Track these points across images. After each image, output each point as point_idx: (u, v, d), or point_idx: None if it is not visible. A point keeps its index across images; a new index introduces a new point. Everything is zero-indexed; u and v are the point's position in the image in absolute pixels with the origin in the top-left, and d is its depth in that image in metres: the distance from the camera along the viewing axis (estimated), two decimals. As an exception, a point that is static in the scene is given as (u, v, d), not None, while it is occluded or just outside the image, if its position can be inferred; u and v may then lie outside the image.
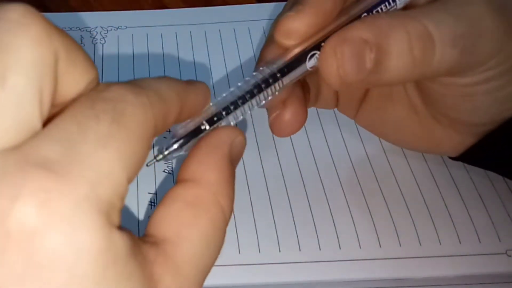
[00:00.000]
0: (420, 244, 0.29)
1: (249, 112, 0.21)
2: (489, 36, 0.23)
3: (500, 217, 0.30)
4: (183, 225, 0.17)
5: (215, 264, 0.28)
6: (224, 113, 0.21)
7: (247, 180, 0.32)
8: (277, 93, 0.22)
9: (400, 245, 0.29)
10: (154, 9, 0.43)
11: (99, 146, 0.14)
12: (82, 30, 0.40)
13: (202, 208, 0.17)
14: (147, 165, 0.20)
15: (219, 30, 0.41)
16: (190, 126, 0.20)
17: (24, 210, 0.12)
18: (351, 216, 0.30)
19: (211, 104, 0.21)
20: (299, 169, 0.32)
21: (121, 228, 0.15)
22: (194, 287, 0.16)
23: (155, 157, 0.20)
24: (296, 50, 0.23)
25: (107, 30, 0.41)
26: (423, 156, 0.33)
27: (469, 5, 0.23)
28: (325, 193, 0.31)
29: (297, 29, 0.22)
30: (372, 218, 0.30)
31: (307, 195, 0.31)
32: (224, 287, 0.28)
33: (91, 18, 0.41)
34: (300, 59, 0.22)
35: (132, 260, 0.15)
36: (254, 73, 0.22)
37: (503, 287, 0.28)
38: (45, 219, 0.13)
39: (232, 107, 0.21)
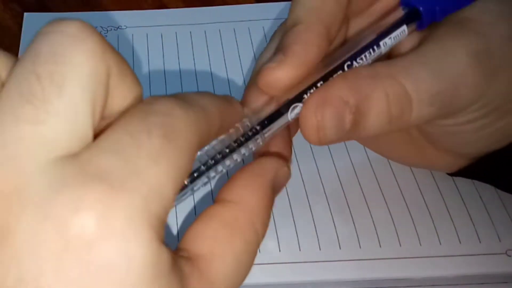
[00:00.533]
0: (420, 244, 0.29)
1: (231, 165, 0.20)
2: (468, 86, 0.23)
3: (500, 217, 0.30)
4: (218, 243, 0.17)
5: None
6: (204, 168, 0.19)
7: (247, 180, 0.32)
8: (260, 143, 0.21)
9: (400, 245, 0.29)
10: (154, 9, 0.43)
11: (151, 161, 0.14)
12: (82, 30, 0.40)
13: (238, 229, 0.18)
14: None
15: (219, 30, 0.41)
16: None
17: (83, 222, 0.13)
18: (351, 216, 0.30)
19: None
20: (299, 169, 0.32)
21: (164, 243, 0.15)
22: None
23: None
24: (274, 105, 0.22)
25: (107, 30, 0.41)
26: (423, 156, 0.33)
27: (449, 57, 0.23)
28: (325, 193, 0.31)
29: (279, 81, 0.22)
30: (372, 218, 0.30)
31: (307, 195, 0.31)
32: (224, 287, 0.28)
33: (91, 18, 0.41)
34: (281, 110, 0.22)
35: (173, 275, 0.15)
36: (236, 125, 0.21)
37: (503, 287, 0.28)
38: (102, 230, 0.13)
39: (212, 162, 0.20)
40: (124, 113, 0.16)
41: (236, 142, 0.20)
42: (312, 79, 0.22)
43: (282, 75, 0.22)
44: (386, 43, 0.23)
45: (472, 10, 0.24)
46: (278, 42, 0.23)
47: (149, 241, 0.14)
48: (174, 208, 0.31)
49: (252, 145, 0.21)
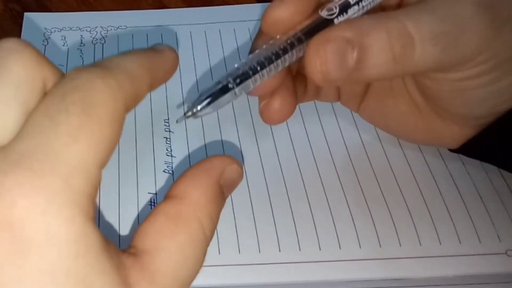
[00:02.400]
0: (420, 244, 0.29)
1: (266, 76, 0.23)
2: (474, 33, 0.23)
3: (500, 217, 0.30)
4: (161, 237, 0.18)
5: (215, 264, 0.28)
6: (251, 72, 0.22)
7: (247, 180, 0.32)
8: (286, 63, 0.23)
9: (400, 245, 0.29)
10: (154, 9, 0.43)
11: (70, 139, 0.15)
12: (82, 30, 0.40)
13: (182, 222, 0.18)
14: (176, 122, 0.23)
15: (219, 30, 0.41)
16: (219, 85, 0.22)
17: (4, 205, 0.14)
18: (351, 216, 0.30)
19: (236, 65, 0.23)
20: (299, 169, 0.32)
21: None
22: None
23: (184, 114, 0.22)
24: (285, 37, 0.23)
25: (107, 30, 0.41)
26: (423, 157, 0.33)
27: (453, 5, 0.23)
28: (325, 193, 0.31)
29: (281, 17, 0.23)
30: (372, 218, 0.30)
31: (307, 195, 0.31)
32: (224, 287, 0.28)
33: (91, 18, 0.41)
34: (291, 45, 0.23)
35: (105, 255, 0.15)
36: (270, 41, 0.23)
37: (503, 287, 0.28)
38: (23, 211, 0.14)
39: (258, 68, 0.22)
40: (45, 96, 0.16)
41: (275, 55, 0.23)
42: (316, 16, 0.24)
43: (283, 13, 0.23)
44: None
45: None
46: None
47: (71, 218, 0.15)
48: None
49: (290, 56, 0.23)
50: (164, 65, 0.20)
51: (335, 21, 0.24)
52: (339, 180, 0.32)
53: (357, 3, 0.24)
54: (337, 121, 0.35)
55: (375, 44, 0.23)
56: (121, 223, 0.29)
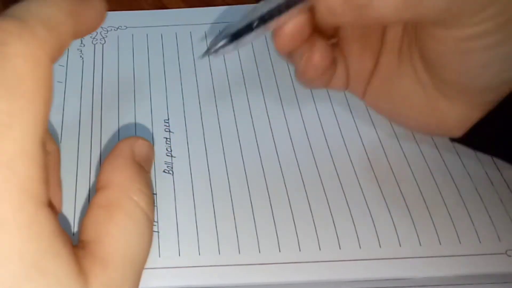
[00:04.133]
0: (420, 244, 0.29)
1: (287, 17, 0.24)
2: None
3: (500, 217, 0.30)
4: (100, 225, 0.19)
5: (215, 264, 0.28)
6: (275, 12, 0.23)
7: (247, 180, 0.32)
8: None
9: (400, 245, 0.29)
10: (154, 9, 0.43)
11: (4, 128, 0.15)
12: (82, 30, 0.40)
13: (114, 205, 0.19)
14: (199, 58, 0.25)
15: (219, 30, 0.41)
16: (242, 23, 0.23)
17: None
18: (351, 216, 0.30)
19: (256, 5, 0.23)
20: (299, 169, 0.32)
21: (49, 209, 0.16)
22: (126, 277, 0.18)
23: (207, 51, 0.22)
24: None
25: (107, 30, 0.41)
26: (423, 157, 0.33)
27: None
28: (325, 193, 0.31)
29: None
30: (372, 218, 0.30)
31: (307, 195, 0.31)
32: (224, 287, 0.28)
33: (91, 18, 0.41)
34: None
35: (59, 241, 0.16)
36: None
37: (503, 287, 0.28)
38: None
39: (278, 10, 0.23)
40: None
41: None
42: None
43: None
44: None
45: None
46: None
47: (20, 206, 0.15)
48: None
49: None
50: (90, 11, 0.19)
51: None
52: (339, 180, 0.32)
53: None
54: (337, 123, 0.35)
55: None
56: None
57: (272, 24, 0.23)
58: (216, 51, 0.22)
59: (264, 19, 0.23)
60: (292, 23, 0.25)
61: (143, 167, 0.22)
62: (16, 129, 0.15)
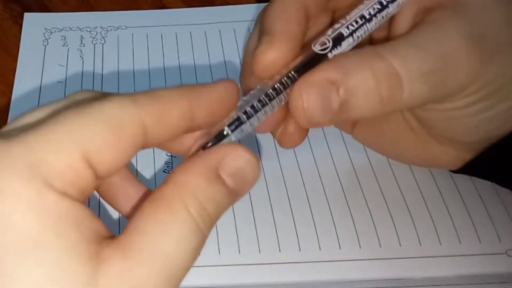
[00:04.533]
0: (420, 244, 0.29)
1: (263, 118, 0.22)
2: (463, 68, 0.23)
3: (500, 217, 0.30)
4: (141, 217, 0.17)
5: (215, 264, 0.28)
6: (245, 117, 0.21)
7: (247, 180, 0.32)
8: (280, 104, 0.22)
9: (400, 245, 0.29)
10: (154, 9, 0.43)
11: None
12: (82, 30, 0.40)
13: (163, 202, 0.18)
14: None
15: (219, 30, 0.41)
16: (213, 131, 0.21)
17: None
18: (351, 216, 0.30)
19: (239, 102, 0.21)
20: (299, 169, 0.32)
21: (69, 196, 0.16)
22: (152, 277, 0.17)
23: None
24: (278, 77, 0.22)
25: (107, 30, 0.41)
26: (423, 156, 0.33)
27: (441, 38, 0.23)
28: (325, 193, 0.31)
29: (273, 61, 0.22)
30: (372, 218, 0.30)
31: (307, 195, 0.31)
32: (224, 287, 0.28)
33: (91, 18, 0.41)
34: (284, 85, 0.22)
35: (68, 224, 0.16)
36: (258, 87, 0.22)
37: (503, 287, 0.28)
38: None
39: (253, 112, 0.21)
40: None
41: (267, 97, 0.22)
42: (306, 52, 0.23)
43: (274, 55, 0.22)
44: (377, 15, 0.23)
45: None
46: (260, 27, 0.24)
47: (37, 190, 0.15)
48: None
49: (278, 101, 0.22)
50: (210, 96, 0.19)
51: (329, 55, 0.23)
52: (339, 180, 0.32)
53: (350, 34, 0.23)
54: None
55: (361, 86, 0.22)
56: (121, 223, 0.29)
57: (248, 128, 0.22)
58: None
59: (235, 127, 0.21)
60: (270, 119, 0.24)
61: (221, 179, 0.19)
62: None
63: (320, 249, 0.29)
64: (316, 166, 0.33)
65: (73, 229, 0.16)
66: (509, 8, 0.24)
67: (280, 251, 0.29)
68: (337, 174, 0.32)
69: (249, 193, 0.31)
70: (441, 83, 0.23)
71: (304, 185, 0.32)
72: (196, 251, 0.18)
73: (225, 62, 0.39)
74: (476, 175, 0.31)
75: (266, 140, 0.34)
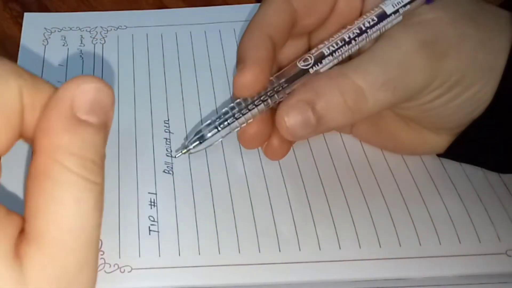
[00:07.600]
0: (420, 244, 0.29)
1: (250, 119, 0.28)
2: (418, 70, 0.26)
3: (500, 217, 0.30)
4: (31, 199, 0.17)
5: (215, 264, 0.28)
6: (232, 119, 0.28)
7: (247, 180, 0.32)
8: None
9: (400, 245, 0.29)
10: (154, 9, 0.43)
11: None
12: (82, 30, 0.40)
13: (42, 174, 0.17)
14: (175, 157, 0.31)
15: (219, 30, 0.41)
16: (206, 127, 0.28)
17: None
18: (351, 216, 0.30)
19: (223, 110, 0.28)
20: (299, 169, 0.32)
21: None
22: (68, 249, 0.17)
23: (181, 151, 0.28)
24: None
25: (107, 30, 0.41)
26: (421, 158, 0.33)
27: (396, 49, 0.26)
28: (325, 193, 0.31)
29: (248, 82, 0.27)
30: (372, 218, 0.30)
31: (307, 195, 0.31)
32: (224, 287, 0.28)
33: (91, 18, 0.41)
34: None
35: None
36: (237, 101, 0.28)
37: (503, 287, 0.28)
38: None
39: (240, 114, 0.28)
40: None
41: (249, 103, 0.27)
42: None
43: (248, 78, 0.27)
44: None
45: (421, 9, 0.28)
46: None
47: None
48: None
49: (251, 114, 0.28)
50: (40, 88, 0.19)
51: (310, 70, 0.27)
52: (339, 180, 0.32)
53: (331, 54, 0.27)
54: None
55: (331, 102, 0.26)
56: (121, 223, 0.29)
57: (235, 127, 0.28)
58: (188, 151, 0.28)
59: (224, 126, 0.28)
60: (253, 125, 0.29)
61: (84, 122, 0.18)
62: None
63: (320, 249, 0.29)
64: (316, 166, 0.33)
65: None
66: (458, 10, 0.27)
67: (280, 251, 0.29)
68: (337, 175, 0.32)
69: (249, 193, 0.31)
70: (403, 87, 0.26)
71: (304, 186, 0.32)
72: (98, 203, 0.17)
73: (225, 62, 0.39)
74: (457, 159, 0.33)
75: (266, 140, 0.34)
